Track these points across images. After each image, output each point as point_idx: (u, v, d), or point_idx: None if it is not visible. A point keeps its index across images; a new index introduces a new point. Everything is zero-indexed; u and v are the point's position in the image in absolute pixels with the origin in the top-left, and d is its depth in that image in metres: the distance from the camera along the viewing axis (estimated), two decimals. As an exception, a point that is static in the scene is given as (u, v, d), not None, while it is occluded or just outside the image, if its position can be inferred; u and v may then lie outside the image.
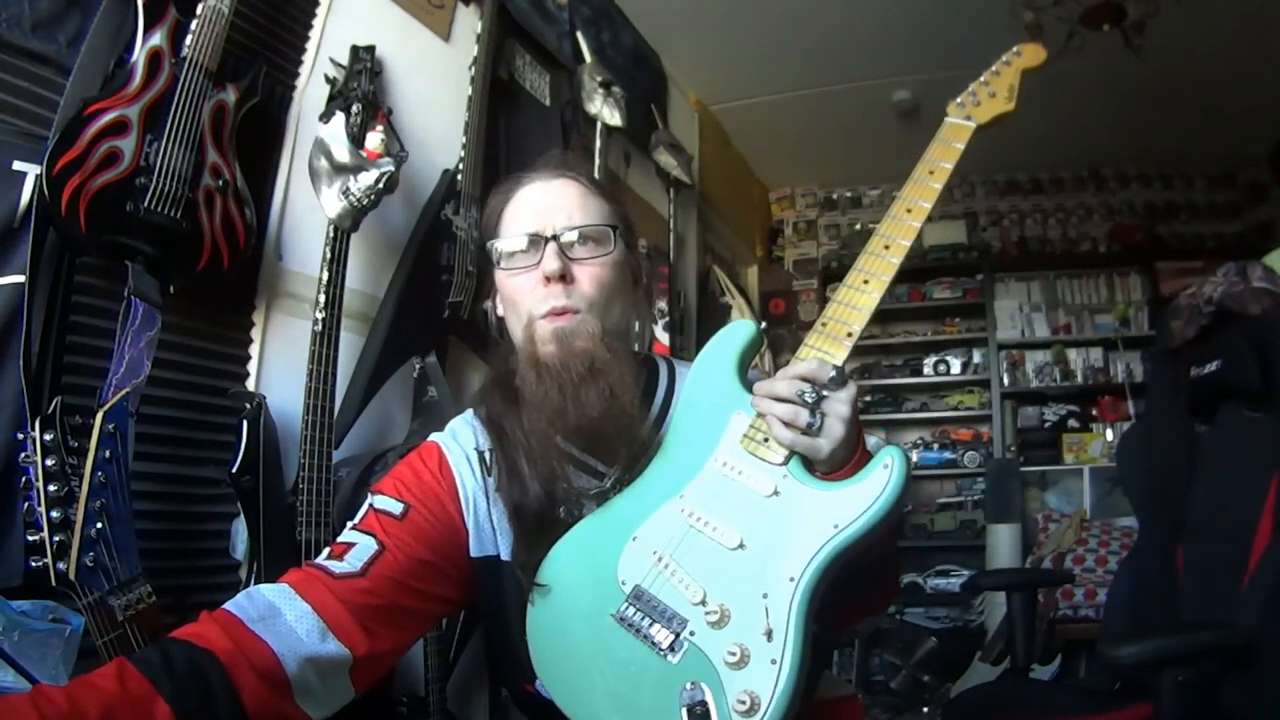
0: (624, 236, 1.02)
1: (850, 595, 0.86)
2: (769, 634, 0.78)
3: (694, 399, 0.95)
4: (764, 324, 1.00)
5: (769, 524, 0.83)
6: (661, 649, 0.82)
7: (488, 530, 0.99)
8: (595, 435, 0.95)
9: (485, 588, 0.99)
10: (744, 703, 0.76)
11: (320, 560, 0.92)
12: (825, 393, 0.85)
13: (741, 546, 0.84)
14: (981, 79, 1.05)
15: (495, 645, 1.04)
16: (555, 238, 0.97)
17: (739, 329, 0.97)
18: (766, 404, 0.86)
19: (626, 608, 0.85)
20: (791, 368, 0.87)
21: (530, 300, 0.98)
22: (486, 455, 1.01)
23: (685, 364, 1.06)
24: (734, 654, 0.79)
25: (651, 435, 0.97)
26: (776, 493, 0.85)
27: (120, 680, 0.71)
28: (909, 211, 0.95)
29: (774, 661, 0.77)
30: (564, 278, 0.95)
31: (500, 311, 1.09)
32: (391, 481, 1.00)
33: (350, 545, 0.92)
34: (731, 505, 0.86)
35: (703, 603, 0.82)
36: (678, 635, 0.82)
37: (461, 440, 1.04)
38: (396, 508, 0.96)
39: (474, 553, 0.98)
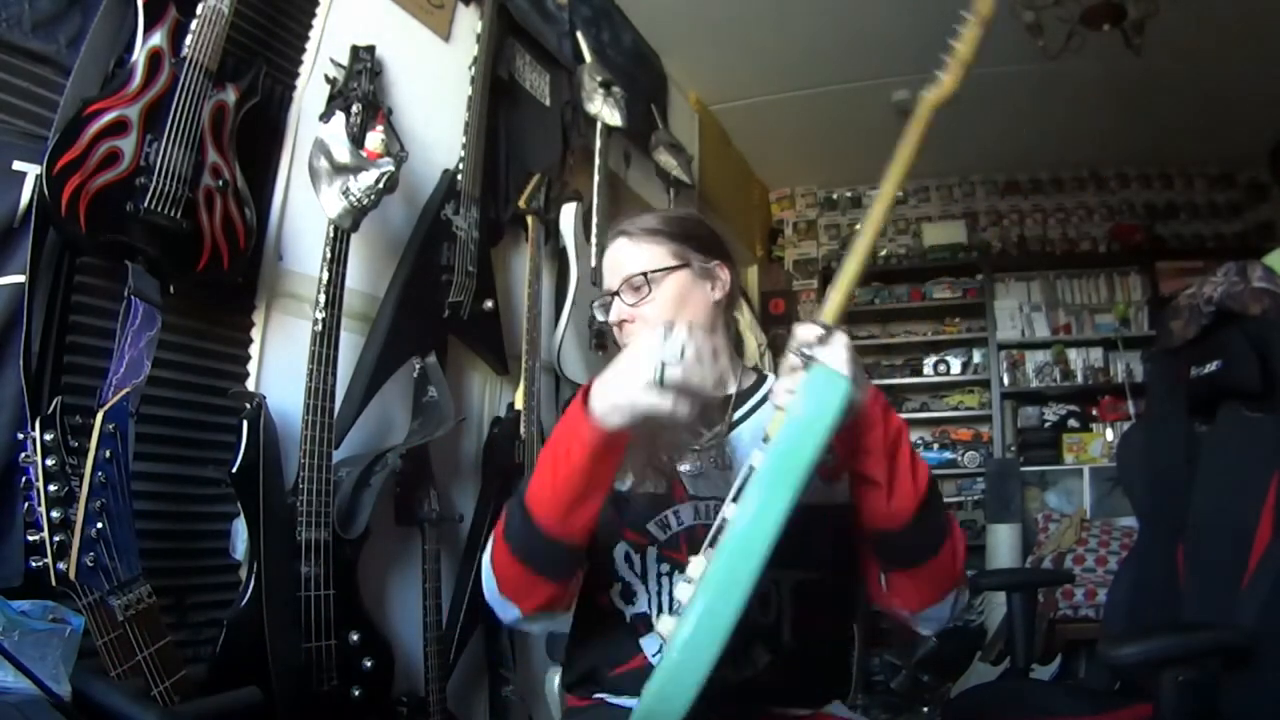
0: (682, 257, 1.20)
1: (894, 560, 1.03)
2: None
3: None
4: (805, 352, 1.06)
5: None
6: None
7: None
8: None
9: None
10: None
11: None
12: (815, 350, 0.96)
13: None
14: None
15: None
16: (616, 293, 1.21)
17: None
18: (777, 387, 0.97)
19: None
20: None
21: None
22: None
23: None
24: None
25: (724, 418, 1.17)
26: None
27: None
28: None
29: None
30: (621, 324, 1.21)
31: None
32: None
33: None
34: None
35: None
36: None
37: None
38: None
39: None
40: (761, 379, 1.28)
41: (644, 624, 1.15)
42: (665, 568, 1.15)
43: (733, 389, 1.24)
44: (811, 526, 1.08)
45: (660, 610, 1.15)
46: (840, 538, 1.13)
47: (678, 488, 1.15)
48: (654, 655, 1.13)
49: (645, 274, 1.19)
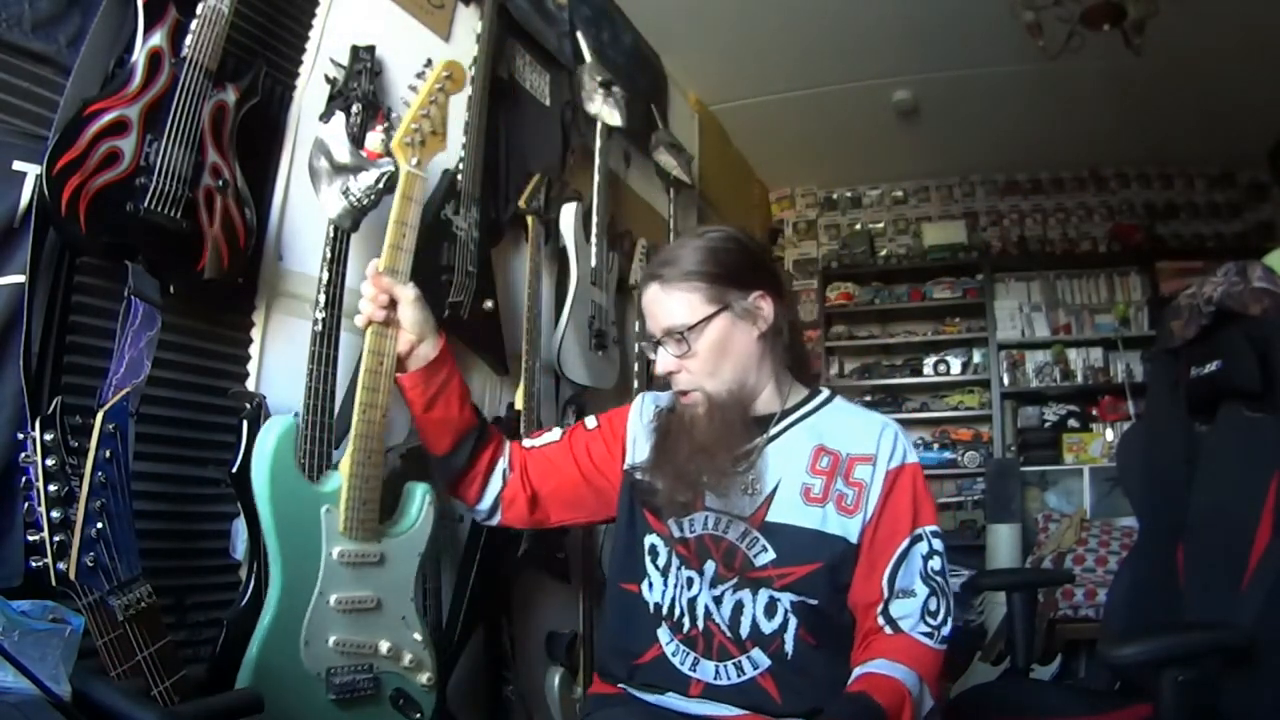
0: (719, 300, 1.21)
1: None
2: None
3: (284, 512, 1.21)
4: (296, 413, 1.27)
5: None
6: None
7: (638, 455, 1.32)
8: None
9: (624, 494, 1.33)
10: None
11: (528, 436, 1.43)
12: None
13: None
14: (421, 110, 1.36)
15: (618, 544, 1.34)
16: (659, 343, 1.24)
17: (269, 431, 1.23)
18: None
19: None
20: None
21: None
22: (661, 414, 1.33)
23: (845, 400, 1.33)
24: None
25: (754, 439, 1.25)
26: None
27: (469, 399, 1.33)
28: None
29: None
30: (670, 375, 1.25)
31: None
32: (605, 414, 1.43)
33: (546, 431, 1.42)
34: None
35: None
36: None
37: (655, 397, 1.39)
38: (591, 423, 1.40)
39: (626, 465, 1.34)
40: (813, 394, 1.31)
41: (660, 615, 1.24)
42: (678, 564, 1.24)
43: (777, 408, 1.27)
44: (819, 551, 1.18)
45: (673, 606, 1.23)
46: (838, 569, 1.19)
47: (698, 498, 1.22)
48: (668, 644, 1.22)
49: (683, 333, 1.20)
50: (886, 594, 1.16)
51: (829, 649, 1.18)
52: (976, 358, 4.67)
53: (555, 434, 1.40)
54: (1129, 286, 4.54)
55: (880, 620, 1.15)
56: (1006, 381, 4.53)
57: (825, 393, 1.33)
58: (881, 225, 5.05)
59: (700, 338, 1.20)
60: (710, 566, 1.21)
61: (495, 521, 1.38)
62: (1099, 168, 4.76)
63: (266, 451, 1.21)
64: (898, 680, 1.09)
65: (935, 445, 4.61)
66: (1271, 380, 1.50)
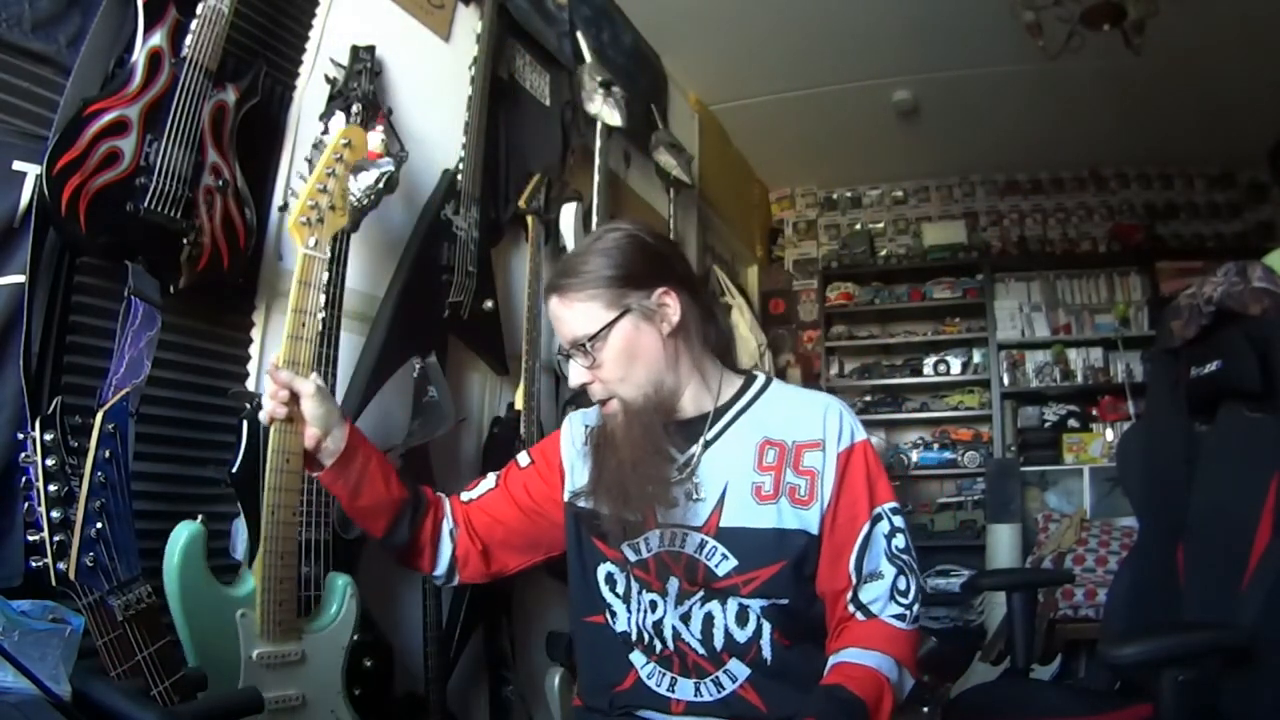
0: (619, 304, 1.16)
1: None
2: None
3: (198, 623, 1.18)
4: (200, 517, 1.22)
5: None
6: None
7: (577, 481, 1.26)
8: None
9: (570, 527, 1.27)
10: None
11: (464, 489, 1.34)
12: None
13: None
14: (319, 184, 1.27)
15: (572, 579, 1.29)
16: (569, 355, 1.19)
17: (175, 542, 1.18)
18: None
19: None
20: None
21: None
22: (592, 432, 1.26)
23: (784, 383, 1.28)
24: None
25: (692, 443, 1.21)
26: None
27: (392, 469, 1.23)
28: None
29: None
30: (585, 387, 1.20)
31: None
32: (535, 445, 1.38)
33: (481, 480, 1.34)
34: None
35: None
36: None
37: (583, 416, 1.33)
38: (524, 461, 1.33)
39: (566, 498, 1.27)
40: (748, 382, 1.26)
41: (630, 642, 1.20)
42: (638, 588, 1.20)
43: (709, 406, 1.22)
44: (781, 550, 1.14)
45: (639, 632, 1.19)
46: (802, 564, 1.15)
47: (650, 515, 1.17)
48: (643, 668, 1.18)
49: (584, 344, 1.16)
50: (855, 580, 1.13)
51: (804, 644, 1.16)
52: (976, 358, 4.67)
53: (490, 481, 1.32)
54: (1129, 286, 4.54)
55: (851, 607, 1.13)
56: (1006, 381, 4.53)
57: (760, 378, 1.27)
58: (881, 225, 5.05)
59: (605, 346, 1.15)
60: (674, 584, 1.17)
61: (455, 583, 1.32)
62: (1099, 168, 4.76)
63: (173, 566, 1.16)
64: (873, 669, 1.08)
65: (935, 445, 4.61)
66: (1271, 380, 1.50)
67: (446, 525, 1.28)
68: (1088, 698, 1.65)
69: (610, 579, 1.23)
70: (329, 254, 1.31)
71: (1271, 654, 1.30)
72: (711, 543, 1.16)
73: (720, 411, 1.22)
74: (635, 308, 1.16)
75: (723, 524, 1.16)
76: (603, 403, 1.20)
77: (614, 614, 1.22)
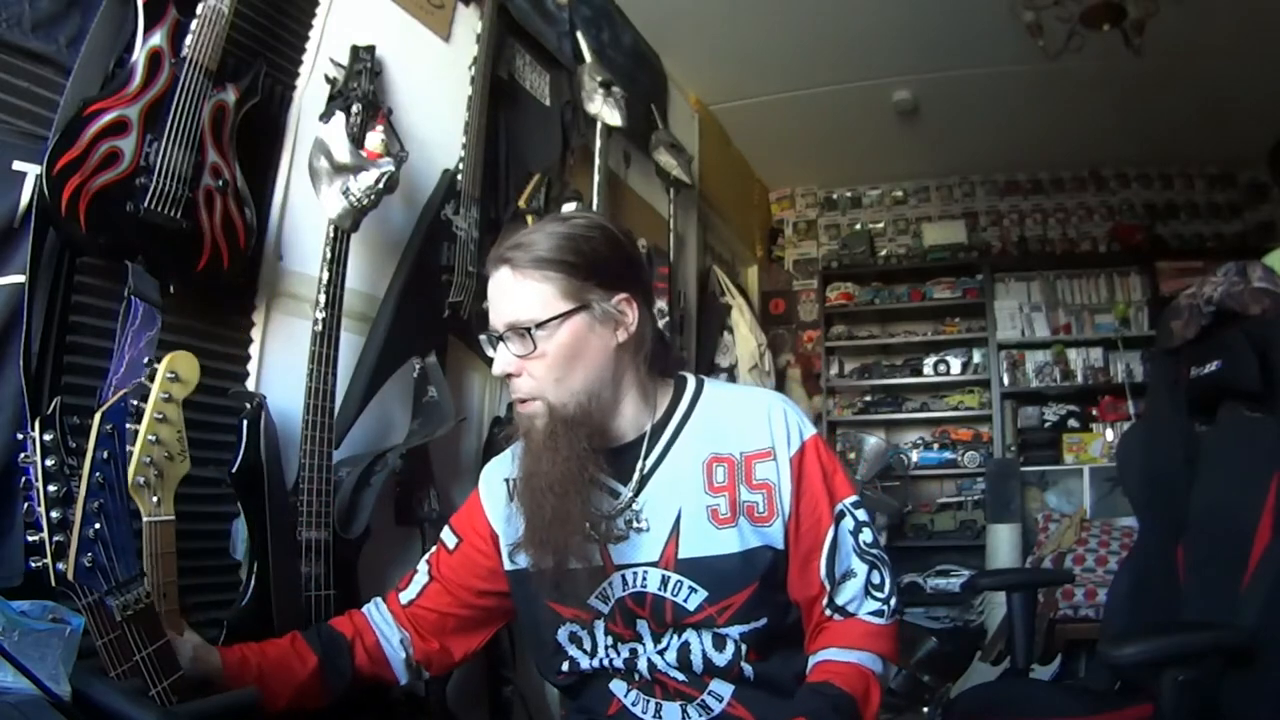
0: (578, 297, 1.05)
1: None
2: None
3: None
4: None
5: None
6: None
7: (511, 539, 1.16)
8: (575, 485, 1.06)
9: (518, 594, 1.19)
10: None
11: (399, 587, 1.25)
12: None
13: None
14: (149, 436, 1.03)
15: (527, 642, 1.24)
16: (501, 338, 1.06)
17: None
18: None
19: None
20: None
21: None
22: (512, 483, 1.16)
23: (716, 382, 1.19)
24: None
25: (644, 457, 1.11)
26: None
27: (291, 641, 1.14)
28: None
29: None
30: (509, 376, 1.08)
31: None
32: (456, 515, 1.26)
33: (414, 574, 1.25)
34: None
35: None
36: None
37: (498, 469, 1.23)
38: (451, 541, 1.24)
39: (507, 567, 1.19)
40: (679, 388, 1.16)
41: (608, 672, 1.15)
42: (610, 640, 1.14)
43: (647, 423, 1.12)
44: (749, 571, 1.08)
45: (611, 666, 1.14)
46: (773, 578, 1.10)
47: (607, 559, 1.11)
48: (626, 695, 1.14)
49: (529, 329, 1.03)
50: (829, 586, 1.08)
51: (783, 651, 1.13)
52: (976, 358, 4.67)
53: (424, 574, 1.23)
54: (1129, 286, 4.54)
55: (829, 611, 1.09)
56: (1006, 381, 4.53)
57: (691, 382, 1.17)
58: (881, 225, 5.05)
59: (550, 337, 1.04)
60: (643, 626, 1.10)
61: (428, 677, 1.27)
62: (1099, 168, 4.76)
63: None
64: (856, 664, 1.06)
65: (935, 445, 4.61)
66: (1271, 380, 1.50)
67: (392, 637, 1.21)
68: (1088, 698, 1.65)
69: (575, 638, 1.15)
70: (173, 514, 1.07)
71: (1272, 654, 1.30)
72: (675, 577, 1.08)
73: (658, 430, 1.13)
74: (594, 305, 1.06)
75: (681, 555, 1.08)
76: (522, 402, 1.08)
77: (581, 664, 1.16)
